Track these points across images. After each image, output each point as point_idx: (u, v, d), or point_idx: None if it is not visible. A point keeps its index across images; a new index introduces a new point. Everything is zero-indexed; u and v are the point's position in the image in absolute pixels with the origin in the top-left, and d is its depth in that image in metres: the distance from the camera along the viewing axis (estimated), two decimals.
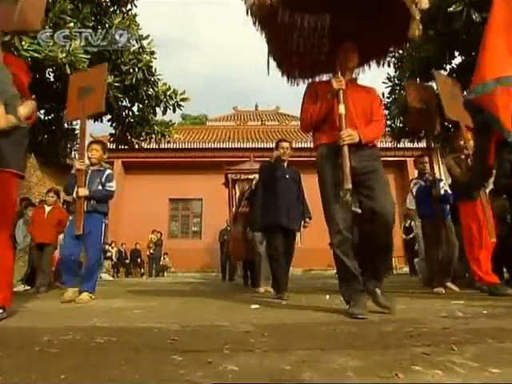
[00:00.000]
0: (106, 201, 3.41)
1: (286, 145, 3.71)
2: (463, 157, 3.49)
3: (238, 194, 6.59)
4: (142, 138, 6.43)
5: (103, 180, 3.39)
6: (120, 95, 5.28)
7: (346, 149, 2.10)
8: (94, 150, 3.45)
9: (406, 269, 9.45)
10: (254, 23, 2.23)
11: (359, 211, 2.09)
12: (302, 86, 2.64)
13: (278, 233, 3.40)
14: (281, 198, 3.45)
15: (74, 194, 3.26)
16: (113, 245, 12.66)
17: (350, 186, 2.02)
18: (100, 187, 3.35)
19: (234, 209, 6.40)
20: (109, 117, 6.03)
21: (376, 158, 2.27)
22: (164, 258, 13.45)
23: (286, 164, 3.68)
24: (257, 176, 4.68)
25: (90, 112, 3.51)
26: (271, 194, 3.52)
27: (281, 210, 3.40)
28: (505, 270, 4.01)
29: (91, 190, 3.27)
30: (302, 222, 3.75)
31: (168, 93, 5.75)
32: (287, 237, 3.48)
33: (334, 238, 2.14)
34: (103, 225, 3.32)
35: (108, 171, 3.48)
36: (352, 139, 2.12)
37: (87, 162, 3.44)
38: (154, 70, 5.56)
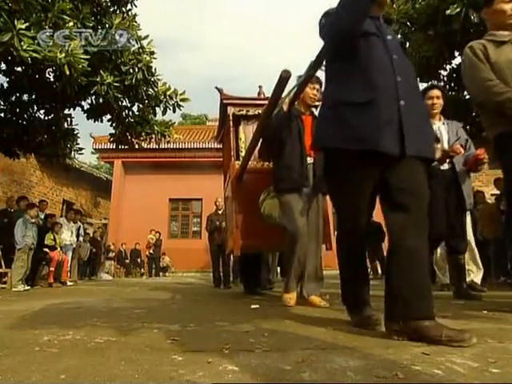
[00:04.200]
0: None
1: None
2: None
3: (243, 140, 3.84)
4: (142, 138, 6.44)
5: None
6: (120, 95, 5.28)
7: None
8: None
9: None
10: None
11: None
12: None
13: (366, 167, 1.49)
14: (379, 81, 1.48)
15: None
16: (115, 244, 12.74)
17: None
18: None
19: (236, 163, 3.56)
20: (109, 117, 6.04)
21: None
22: (163, 259, 13.44)
23: (382, 19, 1.69)
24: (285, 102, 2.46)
25: None
26: (354, 72, 1.54)
27: (383, 109, 1.44)
28: None
29: None
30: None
31: (168, 93, 5.75)
32: (410, 173, 1.46)
33: None
34: None
35: None
36: None
37: None
38: (153, 70, 5.57)
